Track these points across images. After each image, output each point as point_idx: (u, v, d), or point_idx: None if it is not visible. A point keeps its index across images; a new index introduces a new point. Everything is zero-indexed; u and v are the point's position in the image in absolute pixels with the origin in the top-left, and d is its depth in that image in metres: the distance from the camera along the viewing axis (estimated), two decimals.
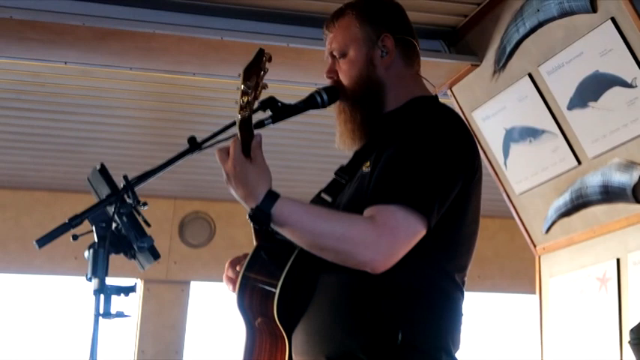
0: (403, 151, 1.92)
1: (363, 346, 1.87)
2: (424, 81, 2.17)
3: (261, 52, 1.92)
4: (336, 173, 2.14)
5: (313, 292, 1.96)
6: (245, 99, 1.88)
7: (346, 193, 2.04)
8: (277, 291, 1.93)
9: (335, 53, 2.12)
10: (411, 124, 1.98)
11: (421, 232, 1.87)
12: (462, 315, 2.00)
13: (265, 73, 1.91)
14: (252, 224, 1.92)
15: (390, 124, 2.04)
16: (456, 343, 1.96)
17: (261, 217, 1.85)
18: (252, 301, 1.99)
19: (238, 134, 1.92)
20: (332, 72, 2.13)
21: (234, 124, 1.99)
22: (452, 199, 1.93)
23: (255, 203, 1.86)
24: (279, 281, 1.93)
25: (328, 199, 2.05)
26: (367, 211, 1.87)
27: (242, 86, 1.88)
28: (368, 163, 2.01)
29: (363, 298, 1.90)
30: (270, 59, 1.92)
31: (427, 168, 1.89)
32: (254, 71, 1.90)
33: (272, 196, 1.86)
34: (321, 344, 1.91)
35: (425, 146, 1.92)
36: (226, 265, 2.12)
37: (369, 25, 2.11)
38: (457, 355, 1.97)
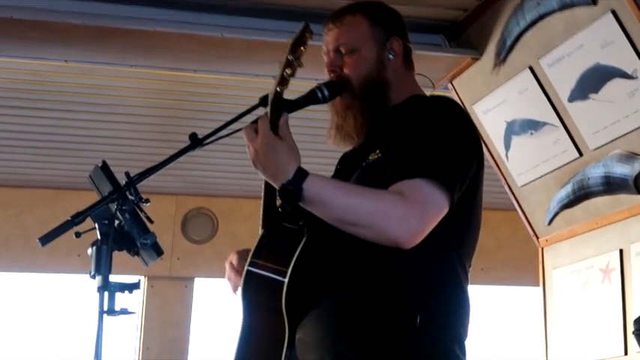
0: (422, 134, 1.94)
1: (381, 334, 1.85)
2: (422, 78, 2.21)
3: (306, 27, 1.92)
4: (339, 163, 2.15)
5: (322, 285, 1.94)
6: (289, 71, 1.88)
7: (351, 180, 2.04)
8: (286, 280, 1.90)
9: (342, 49, 2.12)
10: (423, 112, 2.01)
11: (445, 208, 1.88)
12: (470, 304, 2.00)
13: (305, 50, 1.90)
14: (282, 202, 1.90)
15: (395, 118, 2.05)
16: (467, 333, 1.96)
17: (294, 192, 1.85)
18: (258, 289, 1.96)
19: (269, 110, 1.90)
20: (335, 66, 2.12)
21: (235, 120, 1.98)
22: (467, 183, 1.95)
23: (287, 179, 1.86)
24: (289, 269, 1.91)
25: None
26: (393, 188, 1.88)
27: (289, 57, 1.88)
28: (377, 151, 2.01)
29: (378, 289, 1.89)
30: (311, 35, 1.92)
31: (448, 148, 1.93)
32: (299, 45, 1.90)
33: (303, 172, 1.87)
34: (335, 338, 1.89)
35: (443, 130, 1.96)
36: (231, 256, 2.11)
37: (379, 27, 2.14)
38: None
